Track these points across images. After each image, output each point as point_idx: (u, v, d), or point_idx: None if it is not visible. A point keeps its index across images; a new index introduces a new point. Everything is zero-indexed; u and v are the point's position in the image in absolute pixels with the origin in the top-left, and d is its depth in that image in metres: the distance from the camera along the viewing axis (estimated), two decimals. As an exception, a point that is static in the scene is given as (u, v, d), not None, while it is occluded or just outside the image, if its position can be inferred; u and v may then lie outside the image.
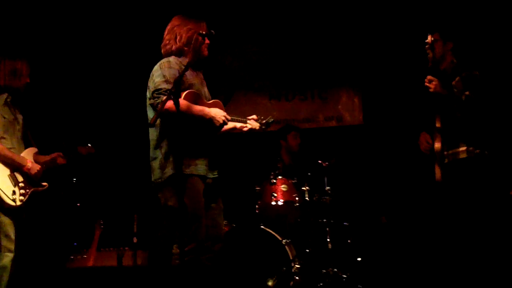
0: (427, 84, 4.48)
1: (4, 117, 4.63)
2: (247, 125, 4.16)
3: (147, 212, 6.80)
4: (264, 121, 4.26)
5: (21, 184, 4.58)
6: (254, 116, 4.25)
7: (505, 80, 6.50)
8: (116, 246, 6.41)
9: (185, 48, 4.09)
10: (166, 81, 3.84)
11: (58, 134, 6.25)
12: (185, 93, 3.90)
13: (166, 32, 4.18)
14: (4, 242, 4.45)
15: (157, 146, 3.93)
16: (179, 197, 3.77)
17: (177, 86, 3.65)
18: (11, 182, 4.53)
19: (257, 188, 6.03)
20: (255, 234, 5.65)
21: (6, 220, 4.48)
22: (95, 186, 7.03)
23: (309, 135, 7.27)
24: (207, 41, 4.16)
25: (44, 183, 4.76)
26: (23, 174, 4.61)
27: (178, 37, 4.07)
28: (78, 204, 6.61)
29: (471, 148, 4.51)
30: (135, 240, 6.36)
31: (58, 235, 6.51)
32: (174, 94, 3.57)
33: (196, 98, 3.97)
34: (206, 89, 4.24)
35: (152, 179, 3.97)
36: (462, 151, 4.53)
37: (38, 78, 6.11)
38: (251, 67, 7.93)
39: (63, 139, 5.14)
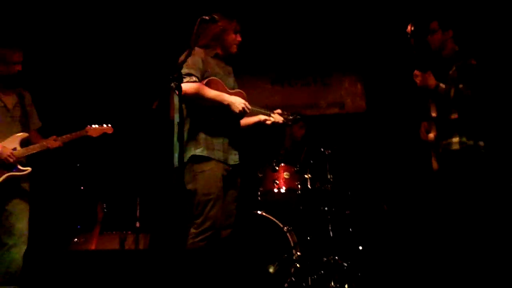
0: (414, 79, 4.58)
1: None
2: (271, 118, 4.23)
3: (150, 196, 6.84)
4: (290, 117, 4.33)
5: None
6: (279, 110, 4.35)
7: (504, 69, 6.52)
8: (119, 229, 6.47)
9: (212, 43, 4.26)
10: (186, 66, 3.95)
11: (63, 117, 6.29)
12: (206, 79, 4.06)
13: (196, 26, 4.22)
14: None
15: (179, 129, 3.97)
16: (195, 179, 3.95)
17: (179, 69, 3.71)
18: None
19: (259, 175, 6.07)
20: (256, 220, 5.68)
21: None
22: (98, 170, 7.05)
23: (311, 122, 7.29)
24: (238, 38, 4.35)
25: (26, 168, 4.80)
26: None
27: (206, 32, 4.17)
28: (82, 187, 6.65)
29: (463, 139, 4.54)
30: (137, 224, 6.39)
31: (61, 217, 6.55)
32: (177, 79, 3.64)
33: (217, 85, 4.10)
34: (232, 80, 4.36)
35: (174, 160, 4.07)
36: (455, 142, 4.56)
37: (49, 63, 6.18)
38: (254, 51, 7.92)
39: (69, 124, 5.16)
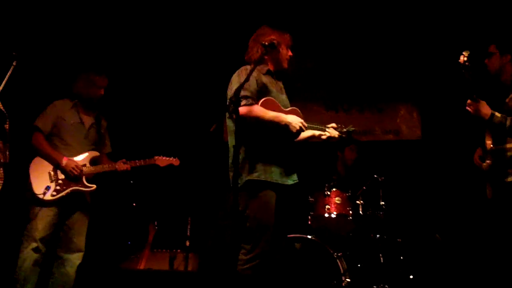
0: (467, 108, 4.43)
1: (64, 120, 5.02)
2: (326, 133, 4.15)
3: (201, 217, 6.88)
4: (344, 130, 4.24)
5: (60, 181, 4.86)
6: (334, 124, 4.24)
7: None
8: (169, 248, 6.51)
9: (265, 57, 4.21)
10: (243, 88, 3.88)
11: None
12: (262, 100, 4.00)
13: (250, 40, 4.29)
14: (32, 232, 4.73)
15: (236, 152, 3.94)
16: (251, 204, 3.90)
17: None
18: (49, 178, 4.83)
19: (310, 199, 6.02)
20: (306, 245, 5.65)
21: (43, 212, 4.76)
22: (151, 187, 7.13)
23: (366, 148, 7.22)
24: (290, 53, 4.31)
25: (92, 185, 4.94)
26: (65, 172, 4.85)
27: (260, 46, 4.11)
28: (134, 204, 6.73)
29: None
30: (187, 243, 6.43)
31: (112, 233, 6.64)
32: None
33: (273, 105, 4.04)
34: (285, 97, 4.29)
35: (231, 184, 3.98)
36: (510, 173, 4.42)
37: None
38: (309, 77, 7.93)
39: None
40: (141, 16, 7.11)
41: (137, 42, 7.38)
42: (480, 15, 6.76)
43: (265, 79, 4.16)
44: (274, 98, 4.13)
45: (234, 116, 3.70)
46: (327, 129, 4.20)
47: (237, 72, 4.12)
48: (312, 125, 4.18)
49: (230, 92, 3.98)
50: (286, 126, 3.95)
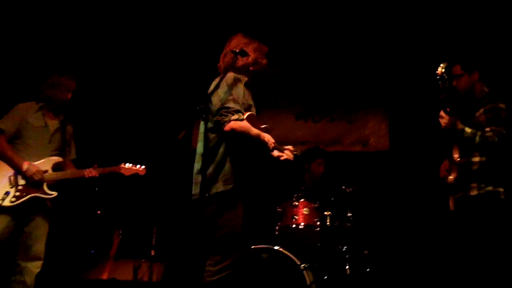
0: (439, 120, 4.48)
1: (28, 123, 4.89)
2: (283, 154, 4.10)
3: (167, 226, 6.80)
4: (295, 153, 4.20)
5: (20, 187, 4.72)
6: (291, 147, 4.18)
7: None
8: (133, 257, 6.41)
9: (251, 68, 4.18)
10: (233, 100, 3.87)
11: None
12: (247, 114, 3.92)
13: (224, 48, 4.22)
14: None
15: (207, 161, 3.88)
16: (221, 215, 3.83)
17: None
18: (9, 183, 4.70)
19: (278, 210, 5.98)
20: (273, 256, 5.59)
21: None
22: (116, 195, 7.03)
23: (334, 159, 7.20)
24: (265, 61, 4.28)
25: (52, 192, 4.81)
26: (25, 177, 4.72)
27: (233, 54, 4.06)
28: (99, 212, 6.62)
29: (482, 185, 4.44)
30: (152, 252, 6.34)
31: (76, 241, 6.53)
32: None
33: (253, 121, 3.97)
34: (255, 110, 4.23)
35: (194, 191, 3.97)
36: (474, 187, 4.46)
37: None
38: (280, 86, 7.90)
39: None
40: (109, 21, 7.04)
41: (105, 48, 7.31)
42: (450, 29, 6.83)
43: (247, 92, 4.10)
44: (254, 114, 4.11)
45: (223, 129, 3.74)
46: (285, 151, 4.14)
47: (225, 79, 3.99)
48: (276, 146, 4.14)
49: (218, 99, 3.89)
50: (264, 144, 3.90)
